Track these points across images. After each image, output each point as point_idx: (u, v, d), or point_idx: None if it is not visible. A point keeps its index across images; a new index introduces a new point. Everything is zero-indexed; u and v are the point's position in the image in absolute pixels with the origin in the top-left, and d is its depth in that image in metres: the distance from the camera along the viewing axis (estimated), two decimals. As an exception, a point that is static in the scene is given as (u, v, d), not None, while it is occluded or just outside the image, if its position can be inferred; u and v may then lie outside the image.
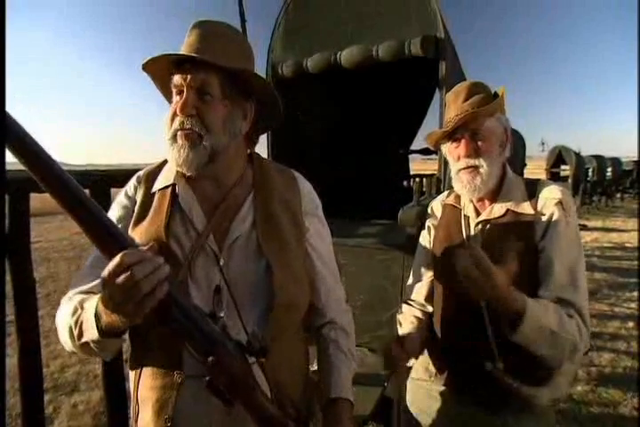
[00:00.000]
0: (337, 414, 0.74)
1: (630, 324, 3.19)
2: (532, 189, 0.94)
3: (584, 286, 0.86)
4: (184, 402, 0.68)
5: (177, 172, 0.75)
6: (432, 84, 2.43)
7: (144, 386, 0.72)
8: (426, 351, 1.06)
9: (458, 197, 1.04)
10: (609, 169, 12.22)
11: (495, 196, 0.95)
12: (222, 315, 0.68)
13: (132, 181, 0.81)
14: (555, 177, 10.19)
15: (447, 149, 0.98)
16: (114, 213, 0.78)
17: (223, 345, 0.58)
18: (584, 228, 6.83)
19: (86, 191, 1.38)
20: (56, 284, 4.44)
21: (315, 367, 0.83)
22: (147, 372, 0.72)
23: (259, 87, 0.76)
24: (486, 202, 0.97)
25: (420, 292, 1.07)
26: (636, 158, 13.22)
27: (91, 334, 0.62)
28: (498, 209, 0.94)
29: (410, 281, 1.11)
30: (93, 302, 0.61)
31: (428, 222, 1.10)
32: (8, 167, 0.73)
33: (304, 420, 0.77)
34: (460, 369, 0.96)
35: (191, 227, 0.72)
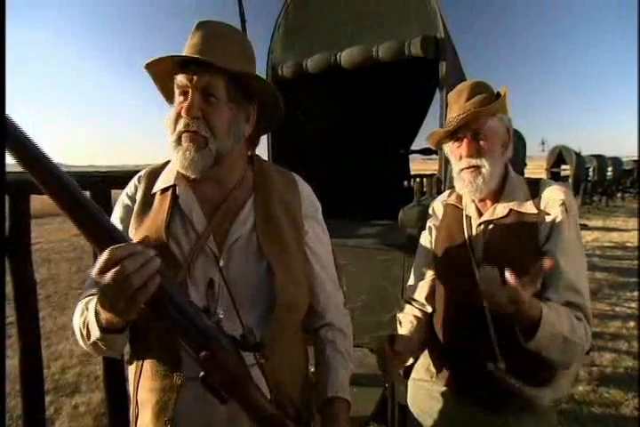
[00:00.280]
0: (334, 414, 0.74)
1: (631, 323, 3.19)
2: (535, 189, 0.94)
3: (587, 286, 0.86)
4: (184, 404, 0.68)
5: (177, 173, 0.75)
6: (432, 85, 2.43)
7: (144, 388, 0.72)
8: (426, 352, 1.05)
9: (459, 197, 1.03)
10: (609, 169, 12.20)
11: (497, 196, 0.95)
12: (219, 311, 0.68)
13: (133, 181, 0.81)
14: (555, 177, 10.19)
15: (449, 148, 0.97)
16: (116, 213, 0.78)
17: (217, 340, 0.57)
18: (585, 227, 6.82)
19: (87, 193, 1.38)
20: (56, 285, 4.44)
21: (314, 369, 0.84)
22: (146, 374, 0.72)
23: (261, 89, 0.75)
24: (488, 202, 0.97)
25: (420, 292, 1.07)
26: (636, 158, 13.21)
27: (95, 333, 0.64)
28: (501, 209, 0.93)
29: (410, 281, 1.11)
30: (94, 302, 0.62)
31: (430, 223, 1.10)
32: (8, 169, 0.73)
33: (305, 421, 0.77)
34: (461, 369, 0.96)
35: (191, 228, 0.72)
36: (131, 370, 0.76)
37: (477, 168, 0.91)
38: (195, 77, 0.68)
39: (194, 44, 0.70)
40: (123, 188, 0.82)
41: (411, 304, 1.07)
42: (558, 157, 10.55)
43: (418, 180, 2.34)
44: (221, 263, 0.71)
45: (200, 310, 0.58)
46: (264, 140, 2.17)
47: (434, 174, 2.04)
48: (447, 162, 1.71)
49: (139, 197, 0.77)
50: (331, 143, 2.80)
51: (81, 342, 0.71)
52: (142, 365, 0.73)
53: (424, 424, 1.03)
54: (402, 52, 1.78)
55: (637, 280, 4.10)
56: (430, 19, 1.78)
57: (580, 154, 10.69)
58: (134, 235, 0.73)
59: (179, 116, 0.69)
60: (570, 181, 9.78)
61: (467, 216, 0.99)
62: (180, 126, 0.69)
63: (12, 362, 1.17)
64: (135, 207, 0.76)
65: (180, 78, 0.70)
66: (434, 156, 3.17)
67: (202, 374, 0.57)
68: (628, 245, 6.18)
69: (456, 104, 0.93)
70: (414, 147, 3.86)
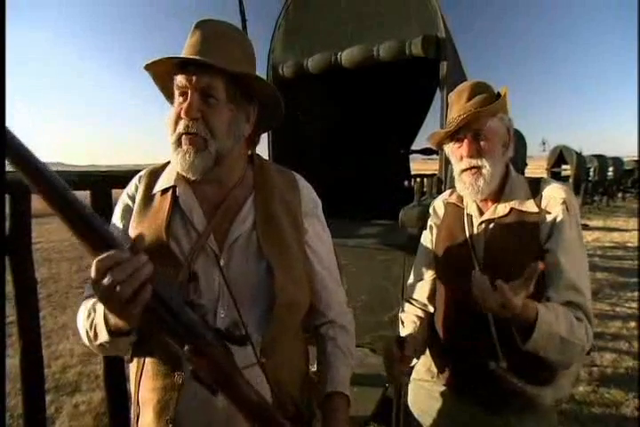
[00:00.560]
0: (333, 410, 0.74)
1: (632, 324, 3.18)
2: (535, 188, 0.94)
3: (588, 286, 0.86)
4: (185, 403, 0.68)
5: (177, 173, 0.75)
6: (433, 84, 2.43)
7: (145, 387, 0.72)
8: (427, 352, 1.05)
9: (460, 197, 1.03)
10: (610, 169, 12.19)
11: (499, 195, 0.95)
12: (220, 310, 0.69)
13: (134, 181, 0.81)
14: (556, 177, 10.18)
15: (450, 149, 0.97)
16: (116, 213, 0.78)
17: (201, 334, 0.56)
18: (585, 227, 6.82)
19: (87, 192, 1.38)
20: (57, 284, 4.45)
21: (315, 368, 0.84)
22: (147, 373, 0.72)
23: (262, 90, 0.75)
24: (489, 201, 0.96)
25: (421, 291, 1.06)
26: (637, 158, 13.19)
27: (103, 336, 0.64)
28: (502, 208, 0.93)
29: (410, 280, 1.11)
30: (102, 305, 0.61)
31: (431, 221, 1.10)
32: (8, 168, 0.73)
33: (306, 420, 0.77)
34: (462, 369, 0.96)
35: (191, 228, 0.72)
36: (132, 369, 0.76)
37: (478, 169, 0.91)
38: (194, 78, 0.68)
39: (193, 44, 0.70)
40: (123, 187, 0.82)
41: (412, 304, 1.07)
42: (559, 156, 10.54)
43: (418, 180, 2.34)
44: (222, 262, 0.71)
45: (184, 304, 0.56)
46: (264, 139, 2.17)
47: (434, 174, 2.04)
48: (448, 162, 1.71)
49: (139, 196, 0.77)
50: (331, 143, 2.80)
51: (87, 342, 0.71)
52: (143, 364, 0.73)
53: (424, 424, 1.03)
54: (402, 51, 1.78)
55: (638, 280, 4.09)
56: (431, 18, 1.78)
57: (581, 154, 10.67)
58: (134, 234, 0.73)
59: (178, 117, 0.69)
60: (570, 180, 9.77)
61: (468, 215, 0.99)
62: (180, 128, 0.69)
63: (13, 361, 1.17)
64: (135, 207, 0.76)
65: (180, 79, 0.69)
66: (434, 156, 3.16)
67: (191, 368, 0.57)
68: (629, 245, 6.17)
69: (456, 104, 0.93)
70: (415, 147, 3.86)
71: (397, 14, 1.86)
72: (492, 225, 0.94)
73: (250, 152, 0.84)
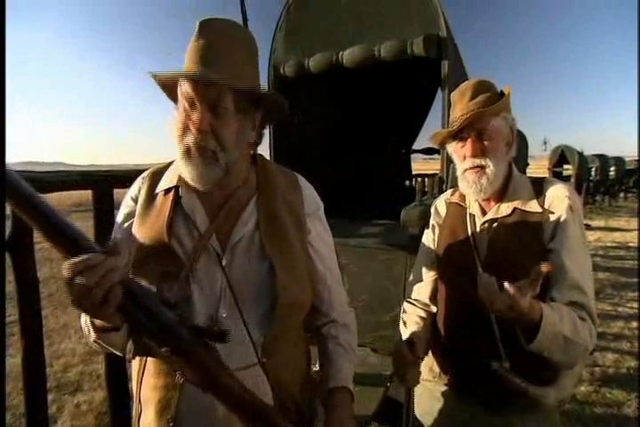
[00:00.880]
0: (336, 405, 0.74)
1: (634, 324, 3.17)
2: (539, 187, 0.93)
3: (592, 285, 0.86)
4: (186, 402, 0.68)
5: (180, 172, 0.75)
6: (434, 84, 2.42)
7: (146, 386, 0.72)
8: (429, 351, 1.05)
9: (463, 196, 1.03)
10: (612, 168, 12.15)
11: (501, 195, 0.94)
12: (221, 310, 0.69)
13: (137, 183, 0.81)
14: (557, 176, 10.15)
15: (453, 148, 0.97)
16: (120, 215, 0.79)
17: (178, 335, 0.56)
18: (587, 227, 6.79)
19: (89, 192, 1.38)
20: (59, 284, 4.45)
21: (317, 368, 0.84)
22: (149, 372, 0.72)
23: (268, 97, 0.75)
24: (492, 201, 0.96)
25: (423, 291, 1.06)
26: (638, 158, 13.15)
27: (92, 332, 0.66)
28: (505, 208, 0.93)
29: (412, 280, 1.10)
30: None
31: (433, 221, 1.09)
32: (9, 167, 0.73)
33: (308, 420, 0.77)
34: (465, 369, 0.96)
35: (194, 228, 0.72)
36: (134, 368, 0.76)
37: (482, 168, 0.90)
38: (203, 90, 0.67)
39: (198, 51, 0.68)
40: (125, 187, 0.83)
41: (414, 304, 1.07)
42: (560, 156, 10.51)
43: (420, 179, 2.34)
44: (224, 262, 0.71)
45: (161, 305, 0.56)
46: (264, 139, 2.16)
47: (436, 174, 2.03)
48: (449, 161, 1.71)
49: (142, 197, 0.77)
50: (331, 143, 2.80)
51: (87, 340, 0.72)
52: (145, 363, 0.73)
53: (425, 424, 1.03)
54: (404, 51, 1.78)
55: (639, 280, 4.08)
56: (432, 17, 1.78)
57: (583, 153, 10.64)
58: (137, 234, 0.74)
59: (186, 127, 0.68)
60: (572, 180, 9.74)
61: (470, 215, 0.99)
62: (189, 140, 0.68)
63: (15, 360, 1.17)
64: (138, 207, 0.77)
65: (187, 89, 0.67)
66: (436, 155, 3.16)
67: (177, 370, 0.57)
68: (631, 245, 6.15)
69: (459, 104, 0.93)
70: (416, 146, 3.86)
71: (398, 14, 1.86)
72: (494, 225, 0.94)
73: (252, 152, 0.84)
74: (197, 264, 0.70)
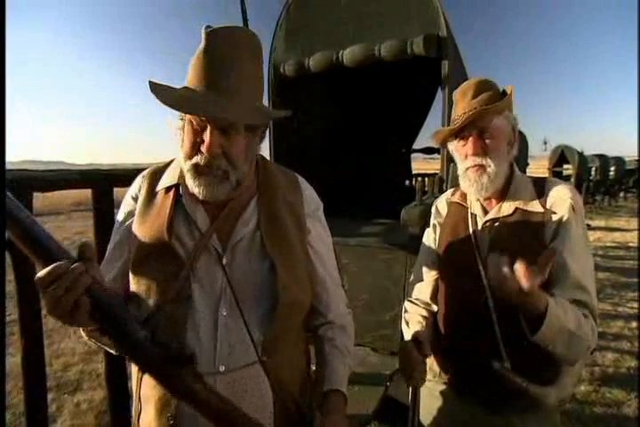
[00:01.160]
0: (331, 407, 0.74)
1: (634, 324, 3.17)
2: (541, 188, 0.93)
3: (594, 284, 0.86)
4: None
5: (180, 171, 0.75)
6: (434, 83, 2.42)
7: (146, 384, 0.72)
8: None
9: (464, 196, 1.03)
10: (612, 168, 12.15)
11: (503, 194, 0.94)
12: (222, 309, 0.69)
13: (137, 182, 0.81)
14: (557, 176, 10.15)
15: (454, 147, 0.97)
16: (121, 213, 0.79)
17: (146, 354, 0.56)
18: (587, 227, 6.78)
19: (88, 191, 1.38)
20: (59, 283, 4.45)
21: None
22: (149, 371, 0.72)
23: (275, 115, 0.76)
24: (493, 201, 0.96)
25: (424, 291, 1.06)
26: (638, 157, 13.15)
27: (83, 332, 0.69)
28: (506, 207, 0.93)
29: (413, 279, 1.10)
30: None
31: (434, 220, 1.09)
32: (9, 166, 0.73)
33: (308, 420, 0.77)
34: (465, 369, 0.96)
35: (195, 227, 0.72)
36: (133, 367, 0.76)
37: (483, 167, 0.90)
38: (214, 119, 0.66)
39: (206, 66, 0.65)
40: (124, 185, 0.83)
41: (415, 304, 1.07)
42: (560, 156, 10.51)
43: (420, 179, 2.34)
44: (225, 262, 0.71)
45: (133, 321, 0.57)
46: (265, 139, 2.16)
47: (436, 173, 2.03)
48: (449, 161, 1.71)
49: (142, 195, 0.77)
50: (331, 143, 2.80)
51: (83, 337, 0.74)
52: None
53: (425, 424, 1.03)
54: (404, 50, 1.77)
55: (639, 280, 4.08)
56: (432, 17, 1.78)
57: (583, 153, 10.64)
58: (137, 232, 0.74)
59: (196, 148, 0.68)
60: (572, 180, 9.74)
61: (472, 214, 0.99)
62: (200, 160, 0.68)
63: (15, 360, 1.18)
64: (138, 206, 0.77)
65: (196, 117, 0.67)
66: (436, 155, 3.16)
67: None
68: (631, 245, 6.15)
69: (461, 102, 0.93)
70: (416, 146, 3.86)
71: (398, 14, 1.86)
72: (496, 224, 0.94)
73: None
74: (198, 263, 0.71)
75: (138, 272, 0.72)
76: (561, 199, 0.89)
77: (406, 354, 0.90)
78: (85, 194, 1.41)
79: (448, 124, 0.99)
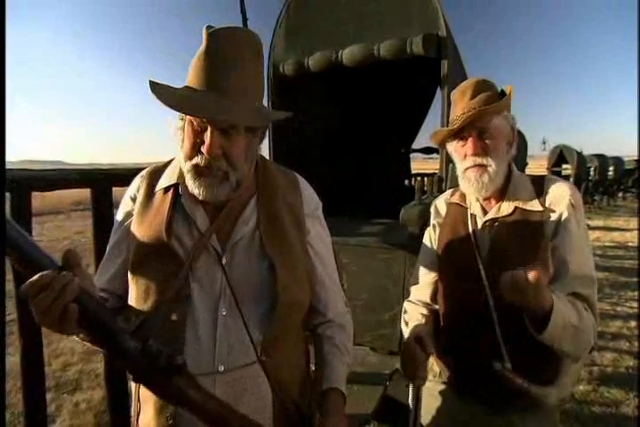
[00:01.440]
0: (330, 406, 0.74)
1: (632, 323, 3.18)
2: (539, 186, 0.93)
3: (595, 281, 0.86)
4: None
5: (180, 171, 0.75)
6: (433, 83, 2.42)
7: (146, 384, 0.72)
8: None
9: (463, 196, 1.03)
10: (611, 168, 12.17)
11: (502, 194, 0.95)
12: (222, 309, 0.69)
13: (136, 182, 0.81)
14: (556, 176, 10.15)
15: (453, 147, 0.97)
16: (120, 213, 0.79)
17: (135, 364, 0.57)
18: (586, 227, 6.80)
19: (88, 190, 1.38)
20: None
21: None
22: (148, 370, 0.72)
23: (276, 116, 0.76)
24: (493, 200, 0.96)
25: (425, 291, 1.06)
26: (637, 157, 13.18)
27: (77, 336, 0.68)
28: (506, 207, 0.93)
29: (413, 279, 1.10)
30: None
31: (433, 220, 1.09)
32: (9, 166, 0.73)
33: (308, 420, 0.77)
34: (465, 369, 0.96)
35: (194, 227, 0.72)
36: (133, 367, 0.76)
37: (484, 166, 0.90)
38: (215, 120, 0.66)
39: (207, 72, 0.65)
40: (124, 185, 0.82)
41: (415, 304, 1.07)
42: (559, 156, 10.52)
43: (419, 178, 2.34)
44: (224, 261, 0.71)
45: (122, 331, 0.56)
46: (265, 139, 2.16)
47: (435, 173, 2.04)
48: (448, 161, 1.71)
49: (140, 195, 0.77)
50: (331, 143, 2.80)
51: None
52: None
53: (424, 423, 1.03)
54: (403, 50, 1.78)
55: (638, 280, 4.09)
56: (432, 17, 1.78)
57: (582, 153, 10.66)
58: (136, 232, 0.74)
59: (196, 149, 0.68)
60: (571, 180, 9.76)
61: (472, 215, 0.99)
62: (200, 161, 0.67)
63: (14, 359, 1.17)
64: (137, 206, 0.77)
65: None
66: (435, 155, 3.16)
67: None
68: (630, 244, 6.16)
69: (460, 102, 0.92)
70: (415, 146, 3.86)
71: (398, 13, 1.86)
72: (496, 224, 0.94)
73: None
74: (197, 263, 0.71)
75: (137, 272, 0.72)
76: (560, 197, 0.89)
77: (409, 353, 0.90)
78: (85, 193, 1.41)
79: (447, 125, 0.99)
